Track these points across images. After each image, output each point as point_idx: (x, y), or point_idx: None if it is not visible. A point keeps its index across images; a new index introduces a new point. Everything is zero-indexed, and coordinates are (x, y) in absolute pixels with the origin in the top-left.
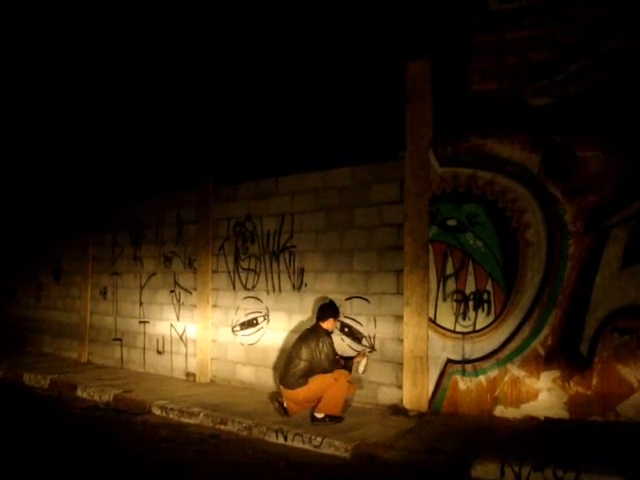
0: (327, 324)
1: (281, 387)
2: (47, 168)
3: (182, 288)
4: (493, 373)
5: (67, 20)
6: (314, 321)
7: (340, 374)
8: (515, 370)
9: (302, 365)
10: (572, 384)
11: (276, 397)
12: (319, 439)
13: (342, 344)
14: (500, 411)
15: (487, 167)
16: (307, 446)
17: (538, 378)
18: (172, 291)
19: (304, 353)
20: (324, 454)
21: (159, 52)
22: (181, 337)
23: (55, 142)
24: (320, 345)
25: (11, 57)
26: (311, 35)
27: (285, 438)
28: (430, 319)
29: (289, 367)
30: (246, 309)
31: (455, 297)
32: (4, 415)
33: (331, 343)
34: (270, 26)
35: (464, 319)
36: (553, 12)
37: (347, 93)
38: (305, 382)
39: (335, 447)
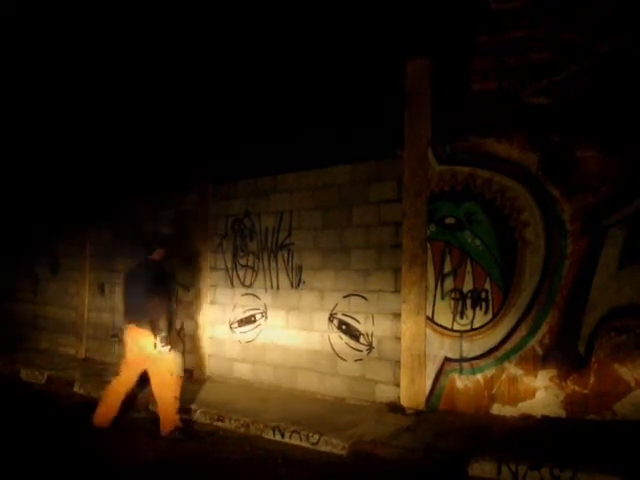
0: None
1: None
2: (46, 164)
3: (180, 285)
4: (490, 371)
5: (67, 20)
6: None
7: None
8: (512, 368)
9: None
10: (569, 383)
11: None
12: (316, 436)
13: (340, 342)
14: (497, 409)
15: (486, 166)
16: (304, 443)
17: (535, 376)
18: None
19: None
20: (321, 451)
21: (159, 53)
22: (178, 334)
23: (54, 138)
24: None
25: (11, 57)
26: (310, 33)
27: (282, 435)
28: (428, 317)
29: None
30: (244, 306)
31: (453, 295)
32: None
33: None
34: (268, 24)
35: (462, 317)
36: (553, 13)
37: (346, 91)
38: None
39: (332, 445)
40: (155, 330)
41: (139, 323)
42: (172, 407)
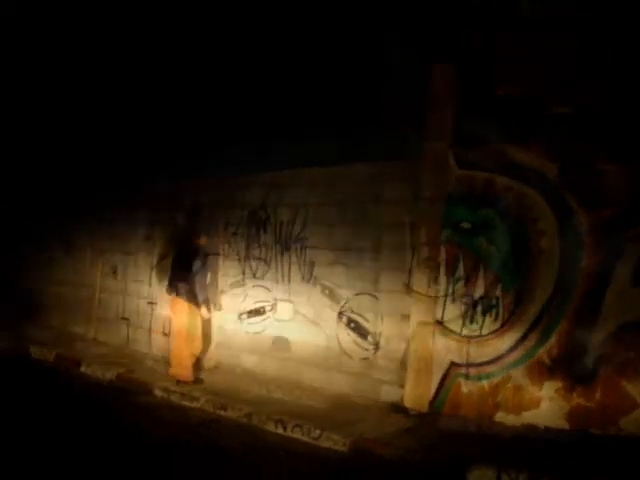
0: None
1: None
2: (65, 145)
3: None
4: (496, 379)
5: (68, 15)
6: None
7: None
8: (518, 377)
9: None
10: (575, 395)
11: None
12: (318, 431)
13: (347, 339)
14: (501, 417)
15: (504, 172)
16: (305, 438)
17: (541, 387)
18: None
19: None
20: (322, 447)
21: (170, 52)
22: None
23: (71, 122)
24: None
25: (11, 56)
26: (337, 34)
27: (284, 428)
28: (437, 320)
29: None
30: (254, 297)
31: (464, 300)
32: (8, 389)
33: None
34: (289, 23)
35: (471, 323)
36: (583, 20)
37: (369, 91)
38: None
39: (333, 441)
40: (200, 300)
41: (180, 294)
42: (188, 361)
